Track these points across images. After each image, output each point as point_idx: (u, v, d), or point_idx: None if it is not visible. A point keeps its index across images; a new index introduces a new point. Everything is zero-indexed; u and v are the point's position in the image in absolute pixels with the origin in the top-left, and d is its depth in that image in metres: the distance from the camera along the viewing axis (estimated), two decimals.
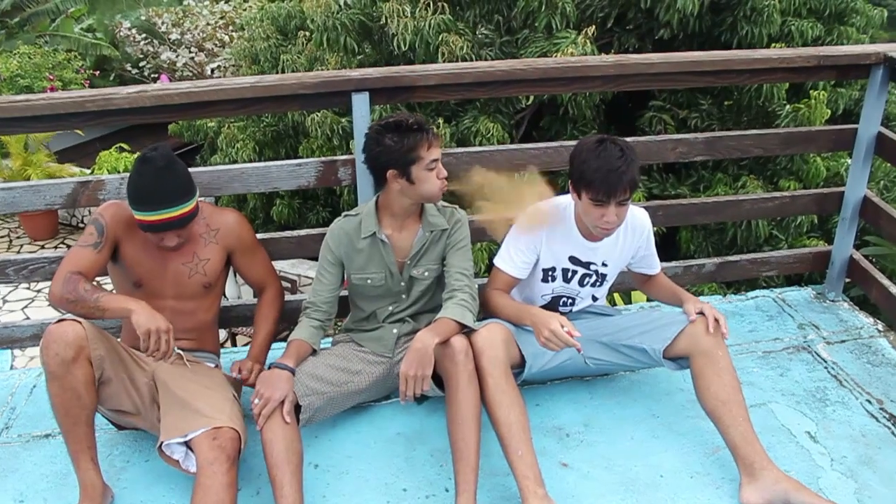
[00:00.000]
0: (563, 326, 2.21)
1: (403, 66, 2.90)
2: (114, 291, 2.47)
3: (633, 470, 2.38)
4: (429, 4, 5.59)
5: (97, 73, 13.38)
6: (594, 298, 2.69)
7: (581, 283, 2.60)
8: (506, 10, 5.82)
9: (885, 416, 2.62)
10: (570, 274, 2.57)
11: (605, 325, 2.61)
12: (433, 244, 2.50)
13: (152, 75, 13.54)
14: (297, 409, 2.30)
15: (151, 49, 13.59)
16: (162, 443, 2.14)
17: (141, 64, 13.55)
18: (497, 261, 2.54)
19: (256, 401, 2.21)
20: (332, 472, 2.38)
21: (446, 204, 2.55)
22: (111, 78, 14.28)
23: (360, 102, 2.69)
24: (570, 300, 2.65)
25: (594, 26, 5.52)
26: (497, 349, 2.28)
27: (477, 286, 2.47)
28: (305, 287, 7.34)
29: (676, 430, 2.55)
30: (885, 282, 3.11)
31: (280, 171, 2.75)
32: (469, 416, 2.19)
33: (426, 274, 2.51)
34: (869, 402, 2.69)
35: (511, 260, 2.52)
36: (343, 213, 2.56)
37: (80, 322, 2.10)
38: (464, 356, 2.21)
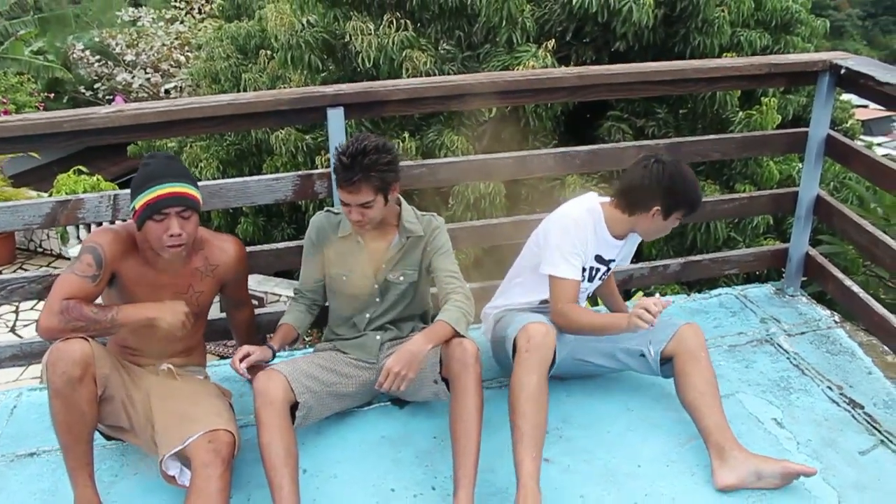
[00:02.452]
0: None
1: (376, 82, 2.98)
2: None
3: (612, 461, 2.48)
4: (391, 22, 5.70)
5: (51, 95, 13.22)
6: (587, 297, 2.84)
7: (591, 279, 2.72)
8: (467, 26, 5.97)
9: (844, 401, 2.76)
10: (593, 272, 2.69)
11: None
12: (410, 250, 2.57)
13: (107, 97, 13.44)
14: (292, 409, 2.36)
15: (106, 71, 13.49)
16: (163, 457, 2.17)
17: (95, 86, 13.44)
18: (556, 271, 2.55)
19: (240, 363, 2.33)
20: (320, 477, 2.44)
21: (424, 212, 2.64)
22: (64, 100, 14.15)
23: (336, 117, 2.76)
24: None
25: (553, 40, 5.70)
26: (550, 349, 2.36)
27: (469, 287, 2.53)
28: (272, 304, 7.37)
29: (651, 422, 2.66)
30: (840, 275, 3.27)
31: (258, 185, 2.81)
32: (473, 417, 2.27)
33: (401, 279, 2.57)
34: (829, 388, 2.83)
35: (570, 265, 2.55)
36: (325, 209, 2.62)
37: (87, 340, 2.10)
38: (474, 360, 2.30)
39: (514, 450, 2.27)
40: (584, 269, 2.64)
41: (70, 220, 2.69)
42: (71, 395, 2.06)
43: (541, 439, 2.28)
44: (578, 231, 2.57)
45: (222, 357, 4.38)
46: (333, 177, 2.46)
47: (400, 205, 2.57)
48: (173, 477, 2.19)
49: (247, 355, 2.41)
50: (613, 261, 2.74)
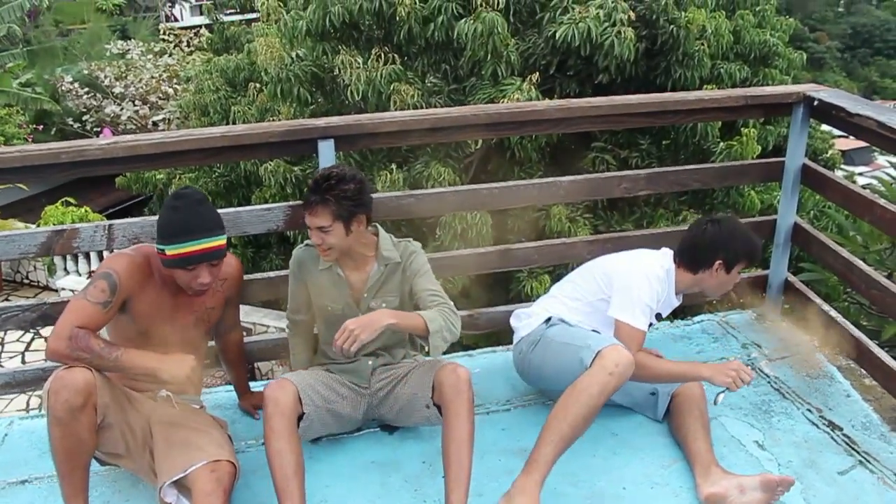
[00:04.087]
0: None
1: (365, 115, 3.06)
2: (109, 336, 2.44)
3: (597, 484, 2.53)
4: (379, 55, 5.81)
5: (39, 127, 13.26)
6: None
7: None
8: (453, 60, 6.08)
9: (824, 423, 2.82)
10: (649, 327, 2.76)
11: None
12: (389, 277, 2.61)
13: (95, 129, 13.52)
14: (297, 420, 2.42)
15: (95, 103, 13.58)
16: (164, 484, 2.20)
17: (84, 118, 13.51)
18: (635, 322, 2.63)
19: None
20: (311, 501, 2.44)
21: (401, 238, 2.68)
22: (52, 132, 14.20)
23: (326, 149, 2.83)
24: None
25: (537, 73, 5.81)
26: (622, 383, 2.41)
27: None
28: (260, 335, 7.39)
29: (635, 445, 2.71)
30: (818, 301, 3.35)
31: (250, 215, 2.87)
32: (465, 442, 2.32)
33: (384, 305, 2.59)
34: (809, 411, 2.90)
35: (646, 318, 2.66)
36: (305, 242, 2.66)
37: (89, 369, 2.11)
38: (466, 386, 2.36)
39: (543, 437, 2.36)
40: None
41: (65, 250, 2.73)
42: (71, 423, 2.08)
43: (567, 445, 2.37)
44: (661, 288, 2.70)
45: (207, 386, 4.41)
46: None
47: (377, 235, 2.62)
48: None
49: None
50: (662, 315, 2.86)
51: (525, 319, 2.85)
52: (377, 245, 2.60)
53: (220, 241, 2.32)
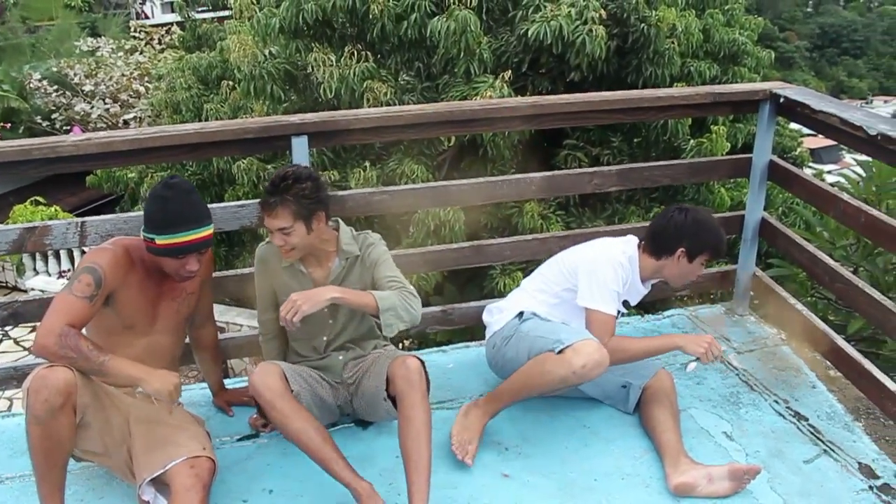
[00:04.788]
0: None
1: (339, 112, 3.08)
2: (91, 331, 2.40)
3: (569, 476, 2.57)
4: (352, 53, 5.81)
5: (7, 125, 13.06)
6: None
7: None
8: (426, 58, 6.09)
9: (791, 414, 2.89)
10: (616, 315, 2.79)
11: None
12: (350, 270, 2.61)
13: (64, 127, 13.35)
14: None
15: (64, 101, 13.41)
16: (143, 482, 2.20)
17: (53, 116, 13.34)
18: (598, 304, 2.67)
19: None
20: (286, 496, 2.49)
21: (360, 231, 2.70)
22: (20, 131, 13.99)
23: (300, 146, 2.85)
24: None
25: (510, 71, 5.84)
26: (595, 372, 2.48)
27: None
28: (234, 332, 7.36)
29: (605, 437, 2.76)
30: (785, 294, 3.42)
31: (224, 212, 2.88)
32: (422, 432, 2.34)
33: None
34: (777, 402, 2.96)
35: (614, 303, 2.70)
36: (267, 240, 2.67)
37: (70, 369, 2.10)
38: (418, 377, 2.38)
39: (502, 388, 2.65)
40: None
41: (37, 247, 2.72)
42: (50, 422, 2.07)
43: (517, 400, 2.68)
44: (625, 273, 2.74)
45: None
46: None
47: (338, 230, 2.63)
48: (147, 502, 2.22)
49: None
50: (630, 304, 2.90)
51: (497, 314, 2.88)
52: (338, 240, 2.60)
53: (210, 230, 2.37)
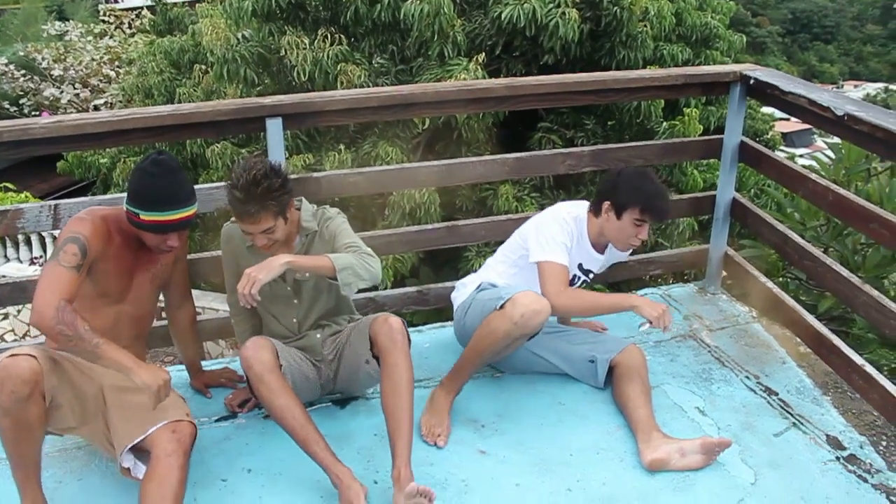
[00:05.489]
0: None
1: (313, 93, 3.07)
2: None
3: (545, 451, 2.61)
4: (326, 36, 5.79)
5: None
6: None
7: (571, 285, 2.87)
8: (399, 41, 6.09)
9: (761, 389, 2.95)
10: (575, 279, 2.86)
11: (559, 332, 2.96)
12: (310, 246, 2.61)
13: (33, 113, 13.15)
14: None
15: (32, 86, 13.20)
16: (123, 449, 2.20)
17: (21, 101, 13.13)
18: (546, 256, 2.70)
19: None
20: (265, 475, 2.50)
21: (318, 206, 2.70)
22: None
23: (274, 128, 2.84)
24: None
25: (483, 54, 5.85)
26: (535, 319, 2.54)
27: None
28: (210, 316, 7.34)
29: (581, 414, 2.80)
30: (756, 273, 3.48)
31: (199, 194, 2.85)
32: (404, 389, 2.39)
33: (307, 275, 2.61)
34: (748, 378, 3.02)
35: (561, 251, 2.71)
36: (231, 219, 2.64)
37: (34, 356, 2.07)
38: (401, 335, 2.42)
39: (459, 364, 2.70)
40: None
41: (9, 231, 2.69)
42: (19, 412, 2.06)
43: (476, 370, 2.76)
44: (571, 229, 2.77)
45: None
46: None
47: (300, 209, 2.62)
48: (128, 469, 2.22)
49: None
50: (592, 272, 2.93)
51: (461, 290, 2.96)
52: (299, 218, 2.61)
53: (194, 209, 2.38)
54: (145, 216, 2.29)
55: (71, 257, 2.21)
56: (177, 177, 2.34)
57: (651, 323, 2.62)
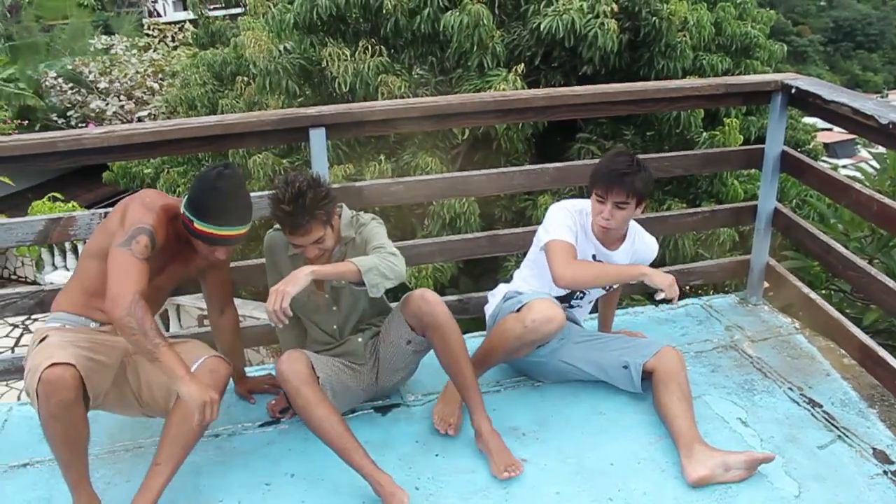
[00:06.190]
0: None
1: (355, 104, 3.12)
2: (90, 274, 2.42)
3: (585, 461, 2.61)
4: (367, 48, 5.86)
5: (24, 122, 13.20)
6: (590, 301, 3.04)
7: None
8: (439, 52, 6.14)
9: (805, 401, 2.91)
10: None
11: (590, 339, 2.96)
12: (350, 253, 2.64)
13: (79, 124, 13.47)
14: None
15: (79, 98, 13.53)
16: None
17: (68, 113, 13.46)
18: (553, 235, 2.75)
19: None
20: (308, 480, 2.53)
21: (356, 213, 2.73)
22: (36, 128, 14.12)
23: (318, 137, 2.89)
24: (582, 294, 2.96)
25: (522, 65, 5.87)
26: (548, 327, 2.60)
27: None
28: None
29: (621, 424, 2.79)
30: (798, 283, 3.44)
31: None
32: (461, 350, 2.54)
33: (343, 282, 2.62)
34: (791, 389, 2.99)
35: (565, 231, 2.75)
36: (274, 226, 2.68)
37: (72, 364, 2.09)
38: (441, 306, 2.51)
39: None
40: None
41: (62, 237, 2.78)
42: (68, 417, 2.11)
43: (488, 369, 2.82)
44: (574, 216, 2.81)
45: None
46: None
47: (340, 215, 2.66)
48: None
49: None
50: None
51: (491, 300, 3.02)
52: (339, 226, 2.64)
53: (247, 228, 2.43)
54: (199, 225, 2.34)
55: (143, 249, 2.25)
56: (237, 193, 2.38)
57: (664, 291, 2.64)
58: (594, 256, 2.86)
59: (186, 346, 2.46)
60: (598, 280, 2.79)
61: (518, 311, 2.63)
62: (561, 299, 2.84)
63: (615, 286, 2.99)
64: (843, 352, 3.20)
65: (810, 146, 10.28)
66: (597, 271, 2.77)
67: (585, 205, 2.86)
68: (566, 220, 2.78)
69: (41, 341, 2.23)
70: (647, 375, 2.80)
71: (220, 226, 2.34)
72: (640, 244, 2.94)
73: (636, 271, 2.72)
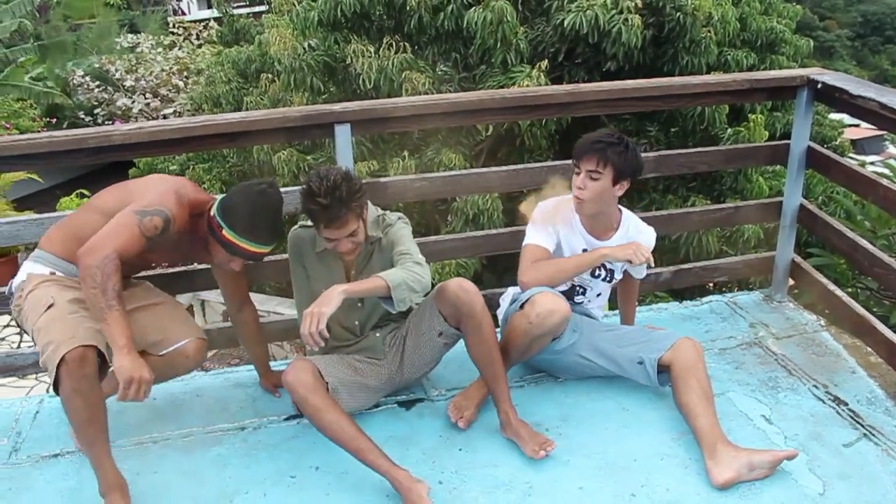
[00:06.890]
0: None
1: (379, 100, 3.15)
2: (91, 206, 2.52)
3: (608, 456, 2.61)
4: (391, 44, 5.88)
5: (52, 120, 13.37)
6: (597, 295, 3.02)
7: (593, 275, 2.90)
8: (463, 48, 6.14)
9: (830, 398, 2.90)
10: (596, 273, 2.88)
11: (607, 333, 2.94)
12: (376, 253, 2.68)
13: (106, 122, 13.62)
14: None
15: (106, 96, 13.67)
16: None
17: (95, 111, 13.61)
18: (526, 239, 2.82)
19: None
20: (332, 473, 2.56)
21: (381, 213, 2.75)
22: (64, 125, 14.29)
23: (343, 133, 2.92)
24: (582, 289, 2.96)
25: (546, 61, 5.86)
26: (550, 319, 2.62)
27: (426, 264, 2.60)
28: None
29: (645, 419, 2.79)
30: (824, 281, 3.42)
31: None
32: (493, 342, 2.59)
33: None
34: (816, 387, 2.97)
35: (536, 233, 2.80)
36: (299, 223, 2.73)
37: (89, 347, 2.16)
38: (477, 295, 2.55)
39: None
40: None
41: None
42: (90, 392, 2.19)
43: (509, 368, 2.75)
44: (557, 212, 2.81)
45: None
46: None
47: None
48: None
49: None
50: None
51: (502, 304, 3.05)
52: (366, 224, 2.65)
53: (269, 249, 2.48)
54: (227, 233, 2.38)
55: (151, 229, 2.30)
56: (275, 216, 2.44)
57: (632, 261, 2.66)
58: (585, 251, 2.83)
59: (174, 322, 2.52)
60: (558, 275, 2.75)
61: (522, 307, 2.66)
62: (565, 293, 2.85)
63: (617, 278, 2.96)
64: (869, 350, 3.17)
65: (837, 142, 10.16)
66: (554, 268, 2.75)
67: (567, 195, 2.86)
68: (540, 219, 2.81)
69: (48, 308, 2.27)
70: (666, 369, 2.77)
71: (247, 239, 2.39)
72: (635, 232, 2.89)
73: (595, 255, 2.74)
